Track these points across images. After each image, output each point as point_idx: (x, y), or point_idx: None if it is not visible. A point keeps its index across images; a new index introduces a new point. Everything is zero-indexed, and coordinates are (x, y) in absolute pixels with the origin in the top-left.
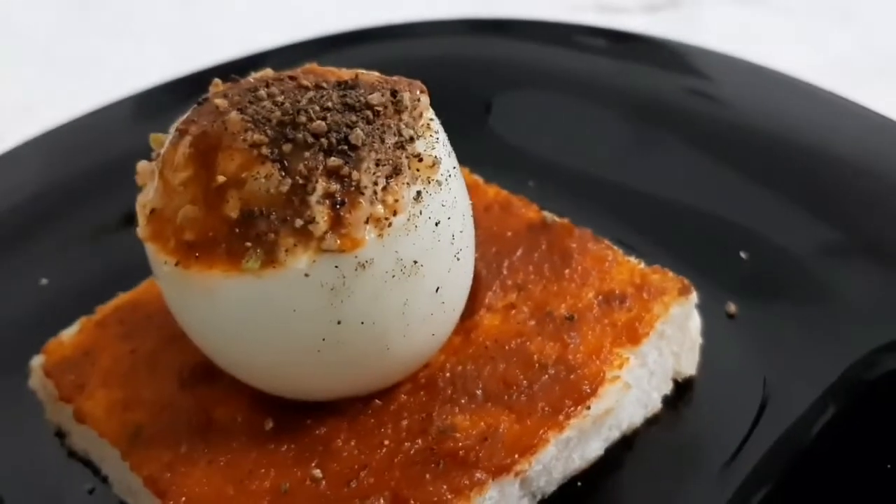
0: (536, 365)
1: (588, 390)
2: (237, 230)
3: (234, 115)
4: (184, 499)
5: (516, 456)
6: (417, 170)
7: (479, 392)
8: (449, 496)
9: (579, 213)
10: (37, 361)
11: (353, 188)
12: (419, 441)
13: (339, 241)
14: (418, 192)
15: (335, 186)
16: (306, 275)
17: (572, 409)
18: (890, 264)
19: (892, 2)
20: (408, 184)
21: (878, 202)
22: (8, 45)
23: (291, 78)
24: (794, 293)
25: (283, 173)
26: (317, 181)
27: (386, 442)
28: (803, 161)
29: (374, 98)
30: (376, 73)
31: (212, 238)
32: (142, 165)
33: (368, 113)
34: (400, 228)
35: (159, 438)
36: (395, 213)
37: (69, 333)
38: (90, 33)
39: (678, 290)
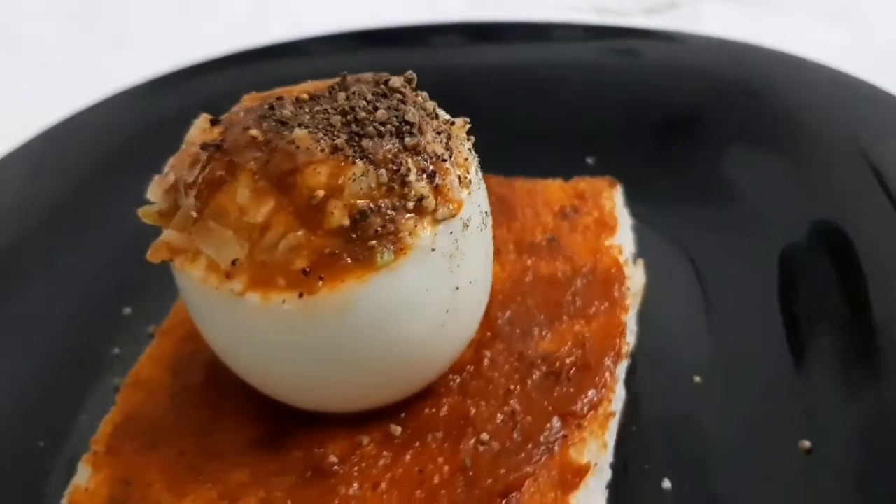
0: (563, 278)
1: (619, 275)
2: (353, 235)
3: (299, 131)
4: None
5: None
6: (456, 131)
7: (542, 318)
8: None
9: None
10: None
11: (434, 158)
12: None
13: (451, 208)
14: (469, 149)
15: (421, 161)
16: (433, 249)
17: (620, 290)
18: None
19: (889, 1)
20: (461, 143)
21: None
22: (8, 55)
23: (282, 97)
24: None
25: (374, 167)
26: (405, 162)
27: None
28: None
29: (395, 82)
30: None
31: (330, 254)
32: (167, 241)
33: (398, 95)
34: (475, 183)
35: None
36: (467, 172)
37: (83, 479)
38: (89, 44)
39: (608, 185)
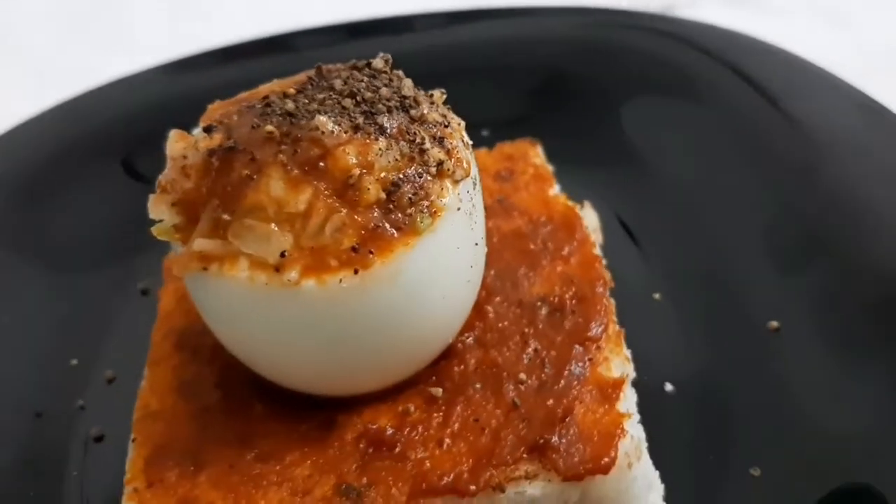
0: (526, 230)
1: (574, 217)
2: (391, 206)
3: (320, 117)
4: None
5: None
6: (438, 101)
7: (524, 268)
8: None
9: None
10: None
11: (438, 126)
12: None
13: (464, 167)
14: (453, 116)
15: (429, 130)
16: (458, 209)
17: (581, 229)
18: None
19: (886, 4)
20: (448, 111)
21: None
22: (4, 56)
23: (268, 96)
24: None
25: (394, 140)
26: (418, 132)
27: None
28: None
29: (378, 64)
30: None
31: (374, 228)
32: (198, 251)
33: (384, 75)
34: (469, 146)
35: None
36: (462, 136)
37: None
38: (86, 47)
39: (531, 144)
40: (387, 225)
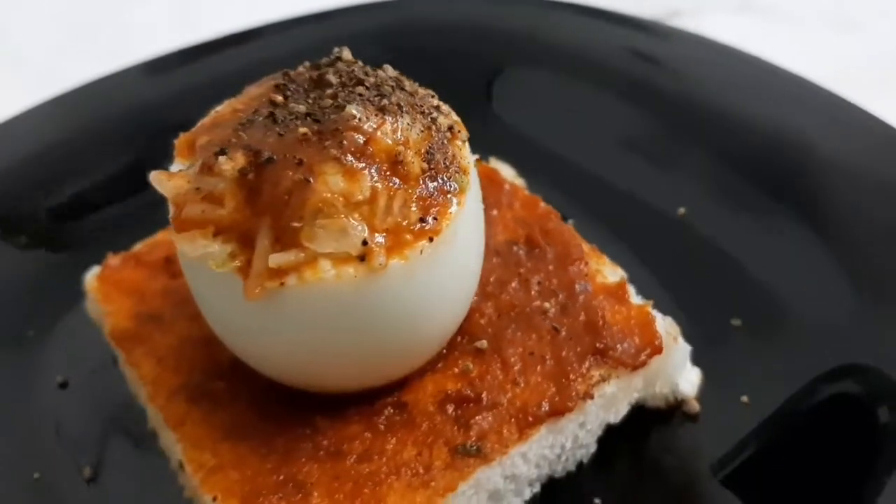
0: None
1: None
2: (432, 173)
3: (350, 108)
4: None
5: None
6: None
7: None
8: None
9: None
10: None
11: (425, 97)
12: None
13: (465, 131)
14: None
15: (426, 101)
16: (474, 167)
17: (511, 185)
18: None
19: (894, 10)
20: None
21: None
22: (7, 66)
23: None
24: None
25: (412, 116)
26: (423, 105)
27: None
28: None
29: (346, 55)
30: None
31: (428, 196)
32: (276, 265)
33: (356, 65)
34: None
35: None
36: (439, 103)
37: None
38: (88, 56)
39: None
40: (437, 191)
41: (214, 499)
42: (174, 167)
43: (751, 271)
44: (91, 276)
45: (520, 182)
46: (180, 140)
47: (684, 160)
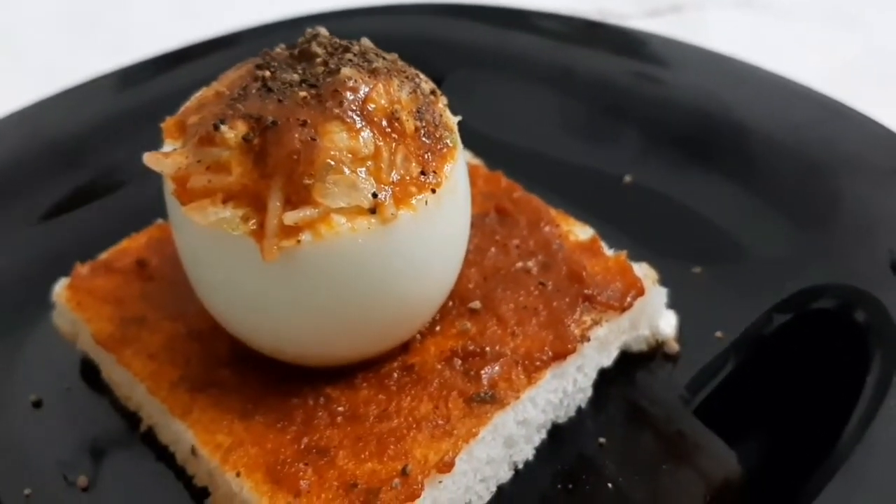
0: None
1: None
2: (424, 132)
3: (345, 70)
4: None
5: None
6: None
7: None
8: None
9: None
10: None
11: (401, 64)
12: None
13: (445, 98)
14: None
15: (405, 68)
16: (457, 129)
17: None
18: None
19: (894, 6)
20: None
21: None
22: (9, 62)
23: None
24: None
25: (399, 79)
26: (406, 71)
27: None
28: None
29: (323, 32)
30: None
31: (426, 152)
32: (293, 222)
33: (336, 40)
34: None
35: None
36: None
37: None
38: (90, 50)
39: None
40: (432, 147)
41: (238, 474)
42: (165, 148)
43: (699, 224)
44: (60, 287)
45: (478, 161)
46: (168, 123)
47: (621, 136)
